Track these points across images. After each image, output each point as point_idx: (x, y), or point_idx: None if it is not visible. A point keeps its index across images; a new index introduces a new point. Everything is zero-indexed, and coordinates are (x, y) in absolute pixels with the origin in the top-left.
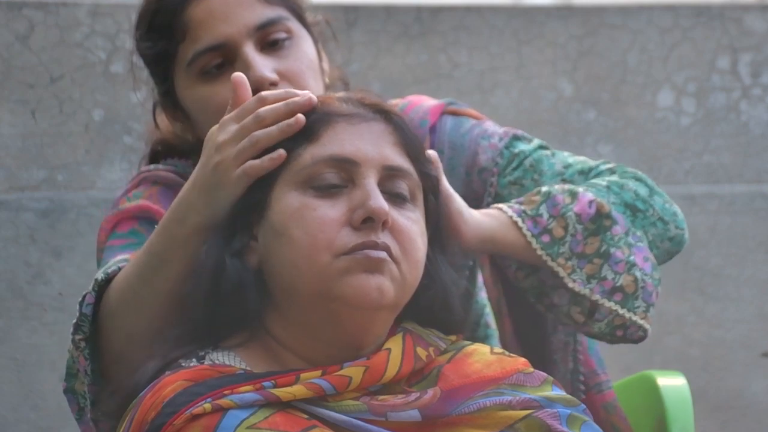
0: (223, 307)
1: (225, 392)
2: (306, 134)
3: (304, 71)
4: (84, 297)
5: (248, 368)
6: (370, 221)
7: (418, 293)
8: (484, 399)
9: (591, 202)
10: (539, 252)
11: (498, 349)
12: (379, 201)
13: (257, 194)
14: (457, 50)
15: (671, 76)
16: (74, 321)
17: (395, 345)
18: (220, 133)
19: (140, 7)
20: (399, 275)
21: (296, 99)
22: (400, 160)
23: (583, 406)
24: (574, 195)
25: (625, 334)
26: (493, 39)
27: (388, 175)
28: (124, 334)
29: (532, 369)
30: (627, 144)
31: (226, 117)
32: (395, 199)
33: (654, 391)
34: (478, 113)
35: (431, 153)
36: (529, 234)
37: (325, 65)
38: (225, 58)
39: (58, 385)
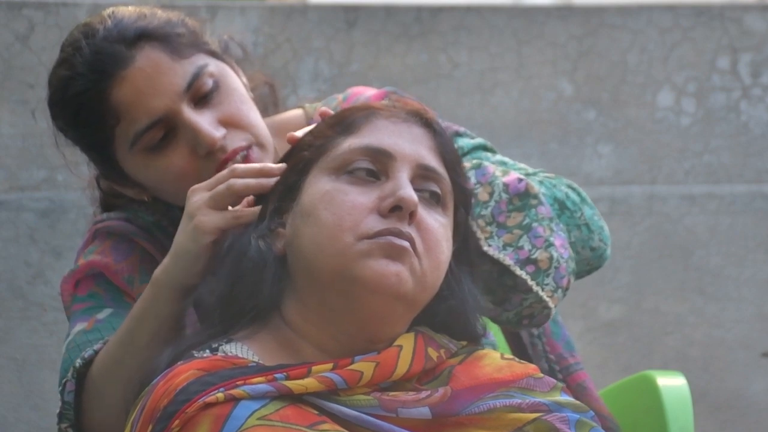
0: (241, 291)
1: (238, 383)
2: (346, 128)
3: (241, 108)
4: (64, 385)
5: (260, 361)
6: (398, 210)
7: (436, 303)
8: (494, 400)
9: (521, 179)
10: None
11: (508, 356)
12: (410, 191)
13: (291, 180)
14: (457, 50)
15: (671, 76)
16: (58, 411)
17: (407, 342)
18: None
19: (51, 96)
20: (419, 270)
21: (269, 169)
22: (435, 163)
23: (592, 412)
24: (505, 171)
25: (531, 322)
26: (493, 39)
27: (422, 175)
28: (106, 405)
29: (542, 375)
30: (627, 144)
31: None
32: (426, 200)
33: (654, 391)
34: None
35: None
36: None
37: (244, 80)
38: (167, 129)
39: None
